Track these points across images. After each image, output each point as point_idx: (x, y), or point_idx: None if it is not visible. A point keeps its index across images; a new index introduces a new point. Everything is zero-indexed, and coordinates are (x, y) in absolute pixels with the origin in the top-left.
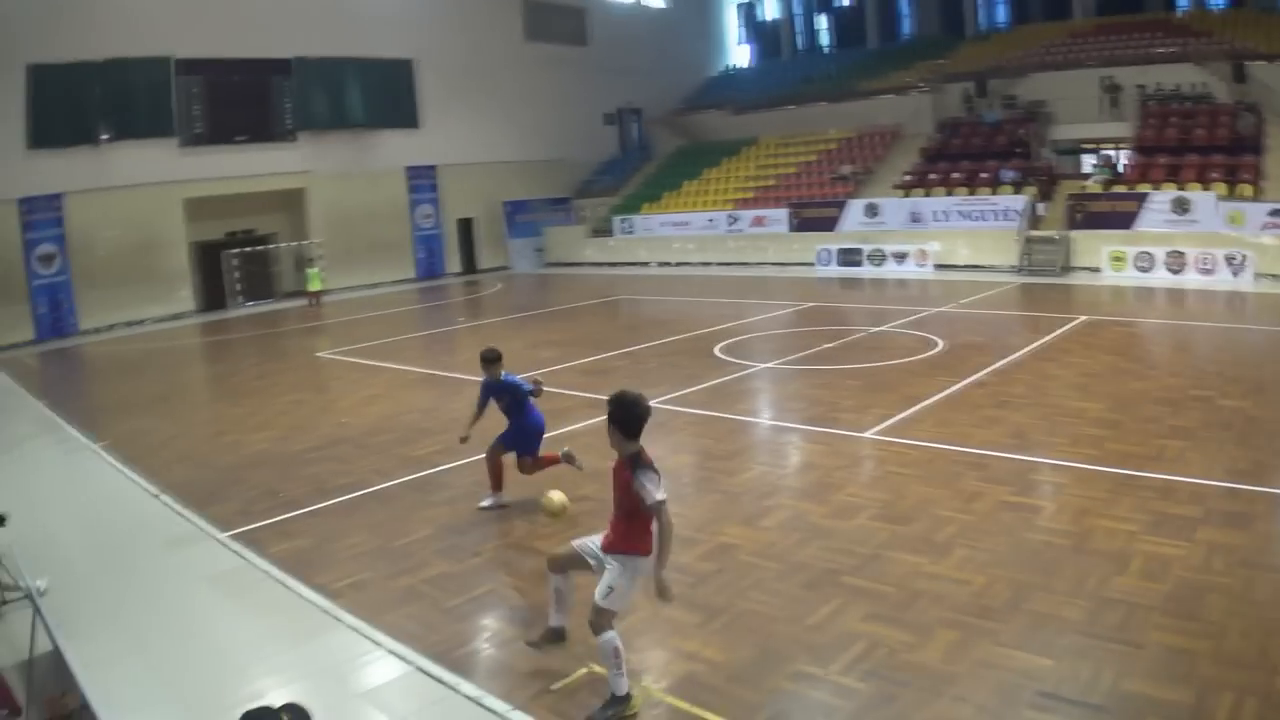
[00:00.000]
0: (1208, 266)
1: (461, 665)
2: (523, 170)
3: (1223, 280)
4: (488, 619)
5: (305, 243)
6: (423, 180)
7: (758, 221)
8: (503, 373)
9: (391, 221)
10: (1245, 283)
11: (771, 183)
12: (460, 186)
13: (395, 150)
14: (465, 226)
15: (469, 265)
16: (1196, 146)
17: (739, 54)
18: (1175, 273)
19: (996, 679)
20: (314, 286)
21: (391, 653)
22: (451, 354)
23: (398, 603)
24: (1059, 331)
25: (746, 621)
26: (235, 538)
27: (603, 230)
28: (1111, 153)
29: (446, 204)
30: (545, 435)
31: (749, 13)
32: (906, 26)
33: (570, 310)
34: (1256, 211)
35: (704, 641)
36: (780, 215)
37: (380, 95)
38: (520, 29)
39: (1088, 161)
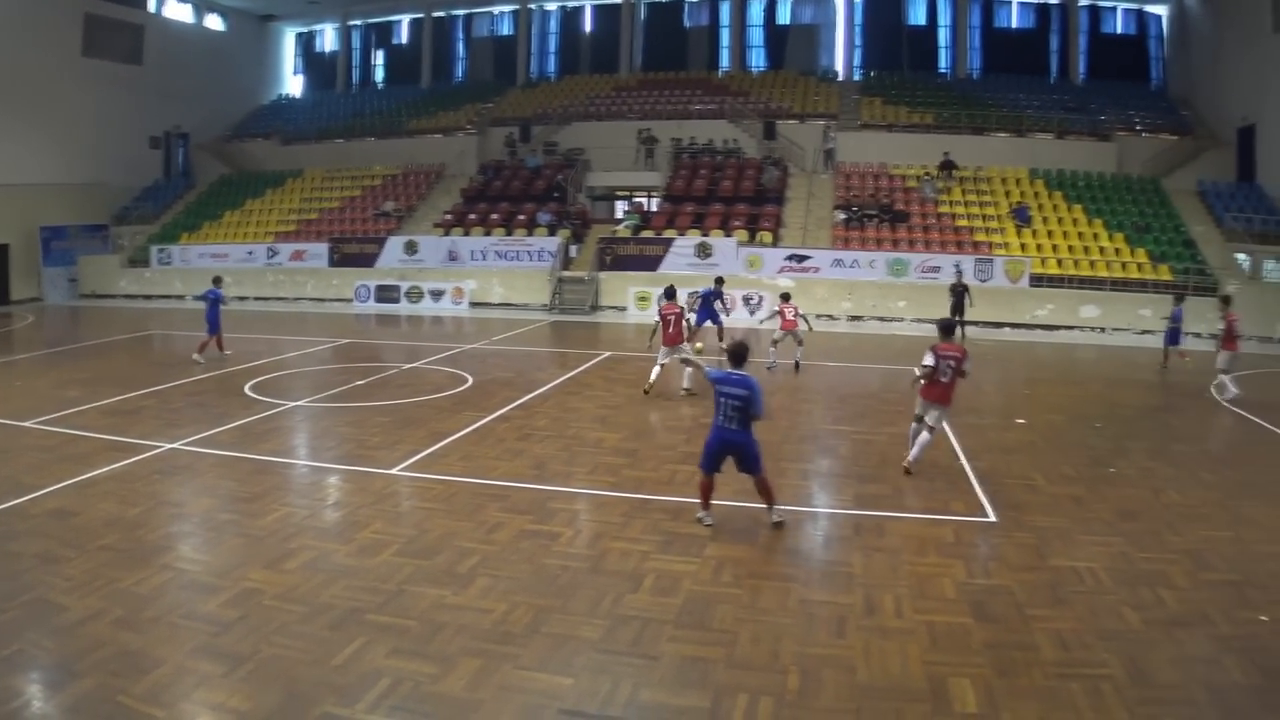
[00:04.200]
0: (727, 307)
1: None
2: (63, 193)
3: (739, 318)
4: (18, 679)
5: None
6: None
7: (297, 255)
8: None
9: None
10: (759, 321)
11: (314, 216)
12: None
13: None
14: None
15: (1, 296)
16: (722, 197)
17: (293, 84)
18: (695, 311)
19: (520, 702)
20: None
21: None
22: None
23: None
24: (584, 367)
25: (272, 667)
26: None
27: (140, 260)
28: (643, 200)
29: None
30: None
31: (307, 43)
32: (460, 70)
33: (101, 346)
34: (774, 256)
35: (230, 691)
36: (321, 250)
37: None
38: (79, 43)
39: (620, 208)
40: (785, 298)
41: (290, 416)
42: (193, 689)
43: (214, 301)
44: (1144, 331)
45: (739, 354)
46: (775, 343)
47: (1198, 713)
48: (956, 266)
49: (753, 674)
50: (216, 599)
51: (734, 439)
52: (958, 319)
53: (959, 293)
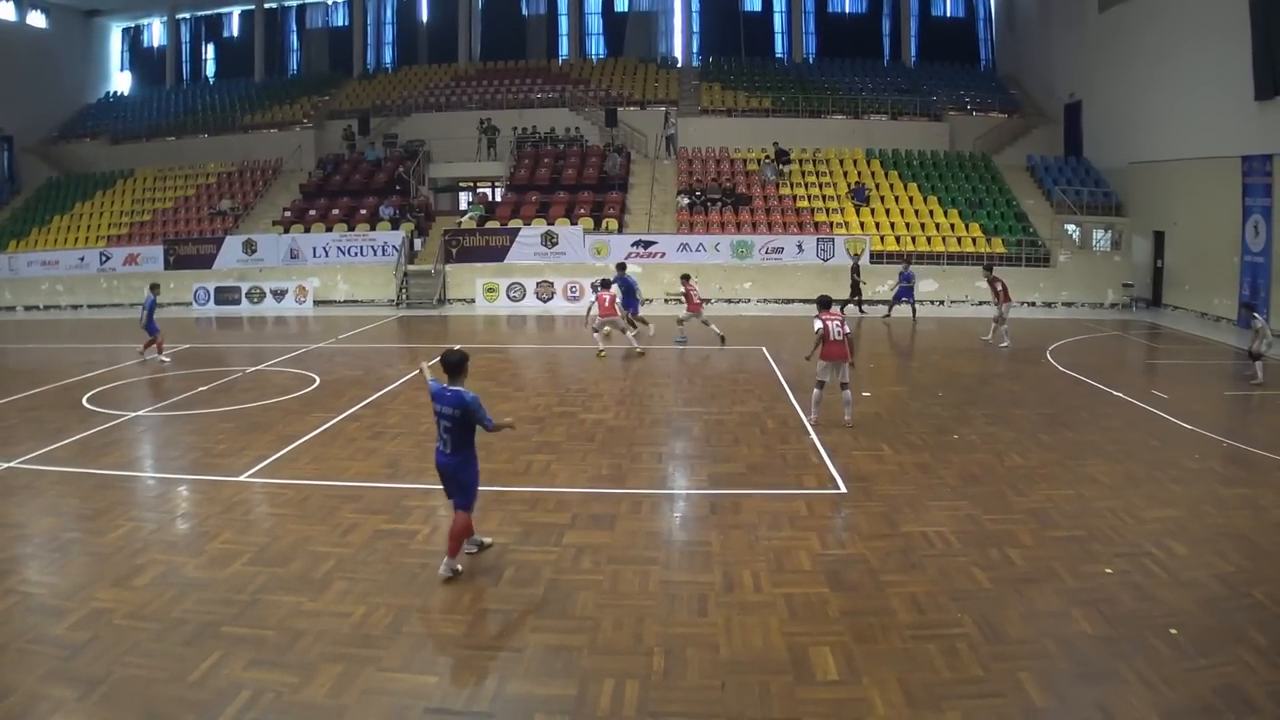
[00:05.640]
0: (574, 294)
1: None
2: None
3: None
4: None
5: None
6: None
7: (131, 259)
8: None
9: None
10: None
11: (147, 218)
12: None
13: None
14: None
15: None
16: (566, 185)
17: (121, 81)
18: (545, 301)
19: (384, 704)
20: None
21: None
22: None
23: None
24: (434, 361)
25: (127, 688)
26: None
27: None
28: (487, 191)
29: None
30: None
31: (134, 38)
32: (295, 62)
33: None
34: (621, 243)
35: (86, 716)
36: (156, 252)
37: None
38: None
39: (464, 199)
40: (685, 278)
41: (132, 427)
42: (47, 716)
43: (146, 307)
44: (981, 303)
45: (452, 365)
46: (681, 322)
47: (1050, 664)
48: (853, 255)
49: (617, 658)
50: (65, 621)
51: (444, 462)
52: (857, 299)
53: (855, 274)
